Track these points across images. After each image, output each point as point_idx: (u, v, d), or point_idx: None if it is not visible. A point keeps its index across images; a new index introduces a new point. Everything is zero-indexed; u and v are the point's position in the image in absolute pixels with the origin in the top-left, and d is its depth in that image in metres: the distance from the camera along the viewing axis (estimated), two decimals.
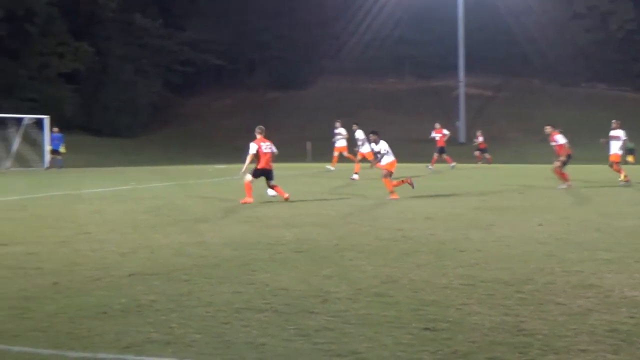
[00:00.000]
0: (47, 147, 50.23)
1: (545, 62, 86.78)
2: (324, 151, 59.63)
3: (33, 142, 53.26)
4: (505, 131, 74.54)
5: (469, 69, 78.60)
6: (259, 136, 22.62)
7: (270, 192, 22.59)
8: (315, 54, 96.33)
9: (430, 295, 9.18)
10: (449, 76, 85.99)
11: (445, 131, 43.34)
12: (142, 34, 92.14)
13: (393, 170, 23.36)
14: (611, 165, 28.74)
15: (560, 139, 27.22)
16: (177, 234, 14.97)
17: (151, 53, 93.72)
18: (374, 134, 24.00)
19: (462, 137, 74.72)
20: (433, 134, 43.58)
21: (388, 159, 23.32)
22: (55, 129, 50.17)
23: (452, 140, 69.82)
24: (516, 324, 7.88)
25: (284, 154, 38.15)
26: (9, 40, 79.44)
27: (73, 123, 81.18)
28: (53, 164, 49.90)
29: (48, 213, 19.54)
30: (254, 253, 12.46)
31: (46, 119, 54.34)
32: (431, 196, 23.74)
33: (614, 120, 28.97)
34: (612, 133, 28.69)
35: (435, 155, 42.98)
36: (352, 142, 37.33)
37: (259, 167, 22.26)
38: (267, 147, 22.42)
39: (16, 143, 53.46)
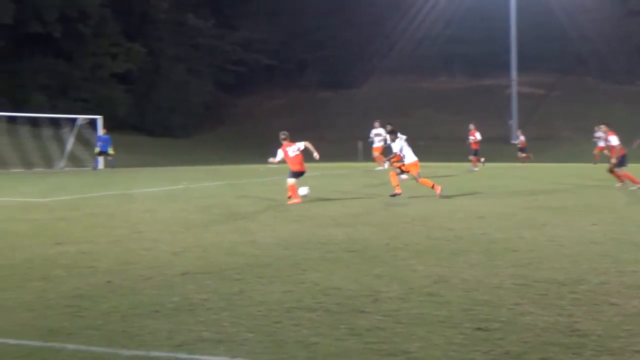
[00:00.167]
0: (95, 149, 50.56)
1: (599, 59, 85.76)
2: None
3: (86, 142, 53.80)
4: (558, 130, 73.98)
5: (521, 68, 77.93)
6: (284, 142, 22.87)
7: (303, 190, 22.61)
8: (367, 53, 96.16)
9: (482, 295, 9.12)
10: (501, 75, 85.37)
11: (478, 135, 42.56)
12: (195, 34, 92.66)
13: (415, 171, 23.31)
14: None
15: (614, 139, 26.79)
16: (229, 233, 15.02)
17: (203, 53, 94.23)
18: (392, 134, 24.17)
19: (514, 137, 74.14)
20: (469, 137, 42.97)
21: (410, 159, 23.32)
22: (103, 130, 50.56)
23: (504, 139, 69.49)
24: (570, 324, 7.80)
25: (335, 154, 38.23)
26: (63, 42, 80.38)
27: (126, 123, 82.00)
28: (106, 165, 50.28)
29: (101, 212, 19.72)
30: (305, 252, 12.46)
31: (99, 119, 54.85)
32: (483, 196, 23.59)
33: None
34: None
35: (473, 157, 42.44)
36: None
37: (293, 170, 22.46)
38: (294, 150, 22.57)
39: (70, 143, 54.01)
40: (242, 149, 70.69)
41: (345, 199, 22.57)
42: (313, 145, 22.90)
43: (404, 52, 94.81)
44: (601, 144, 46.94)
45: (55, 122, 57.17)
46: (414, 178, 23.44)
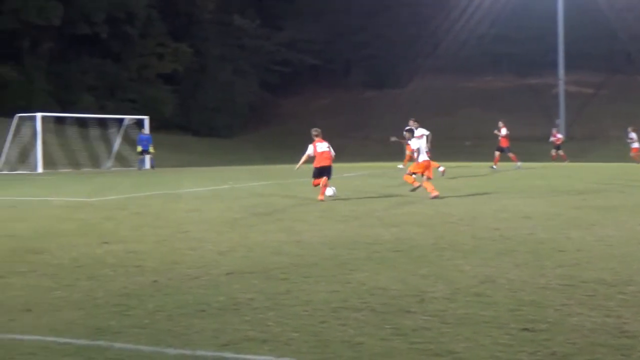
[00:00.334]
0: (138, 149, 50.84)
1: None
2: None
3: (133, 142, 54.21)
4: (606, 129, 73.32)
5: (568, 66, 77.30)
6: (315, 138, 23.34)
7: (329, 191, 22.89)
8: (412, 53, 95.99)
9: (529, 295, 9.06)
10: (548, 74, 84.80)
11: (504, 131, 41.82)
12: (240, 34, 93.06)
13: (420, 171, 23.37)
14: None
15: None
16: (275, 233, 15.05)
17: (249, 53, 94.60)
18: (408, 132, 24.54)
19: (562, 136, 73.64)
20: (496, 132, 42.30)
21: (421, 158, 23.42)
22: (143, 130, 50.85)
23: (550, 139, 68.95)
24: (618, 325, 7.71)
25: (381, 153, 38.14)
26: (110, 43, 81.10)
27: (172, 123, 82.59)
28: (147, 164, 50.53)
29: (148, 212, 19.85)
30: (351, 252, 12.45)
31: (146, 119, 55.24)
32: (529, 195, 23.45)
33: None
34: None
35: (512, 155, 41.76)
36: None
37: (315, 165, 23.02)
38: (323, 147, 23.06)
39: (117, 143, 54.45)
40: (287, 149, 70.78)
41: (391, 198, 22.53)
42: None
43: (449, 52, 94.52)
44: (635, 145, 46.49)
45: (102, 123, 57.70)
46: (407, 172, 23.59)
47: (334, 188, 23.24)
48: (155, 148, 51.81)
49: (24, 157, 48.15)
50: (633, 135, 47.80)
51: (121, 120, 56.58)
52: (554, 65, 78.13)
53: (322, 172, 22.90)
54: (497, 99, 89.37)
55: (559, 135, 49.68)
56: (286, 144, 76.80)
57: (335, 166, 24.69)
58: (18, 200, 24.68)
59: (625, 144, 49.62)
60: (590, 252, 12.18)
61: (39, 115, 48.50)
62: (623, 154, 52.81)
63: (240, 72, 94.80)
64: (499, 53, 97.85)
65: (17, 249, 13.47)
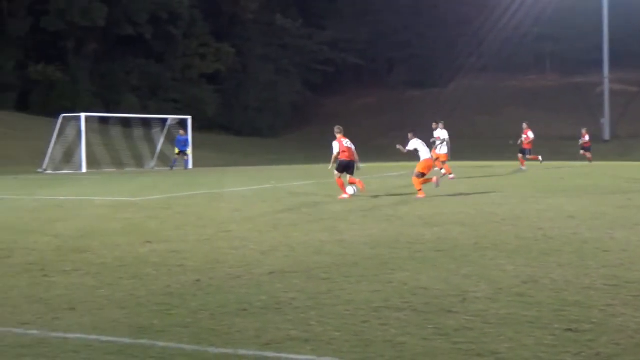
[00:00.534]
0: (175, 150, 50.96)
1: None
2: (463, 149, 59.12)
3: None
4: None
5: (613, 65, 76.59)
6: (338, 135, 23.90)
7: (350, 190, 23.16)
8: (454, 52, 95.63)
9: (572, 295, 8.98)
10: (592, 72, 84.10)
11: (531, 134, 41.09)
12: (283, 34, 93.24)
13: (423, 170, 23.54)
14: None
15: None
16: (317, 232, 15.06)
17: (291, 53, 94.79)
18: (412, 132, 24.70)
19: (606, 135, 73.01)
20: (522, 136, 41.56)
21: (423, 156, 23.72)
22: (182, 132, 50.98)
23: (595, 138, 68.33)
24: None
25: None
26: (154, 43, 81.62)
27: (214, 123, 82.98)
28: (179, 164, 50.65)
29: (191, 212, 19.93)
30: (393, 252, 12.43)
31: (189, 119, 55.46)
32: (573, 195, 23.26)
33: None
34: None
35: (530, 156, 41.08)
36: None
37: (342, 157, 23.41)
38: (347, 142, 23.61)
39: (160, 143, 54.73)
40: (329, 148, 70.88)
41: (434, 198, 22.47)
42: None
43: (491, 50, 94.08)
44: None
45: (145, 123, 58.00)
46: (415, 175, 23.71)
47: (354, 187, 23.41)
48: (192, 149, 51.90)
49: (69, 157, 48.52)
50: None
51: (164, 120, 56.85)
52: (598, 63, 77.47)
53: (347, 166, 23.44)
54: (541, 98, 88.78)
55: (587, 138, 48.69)
56: (328, 144, 76.63)
57: (378, 166, 24.78)
58: (63, 200, 24.89)
59: None
60: (635, 252, 12.06)
61: (83, 115, 48.83)
62: None
63: (283, 71, 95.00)
64: (542, 52, 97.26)
65: (62, 248, 13.58)
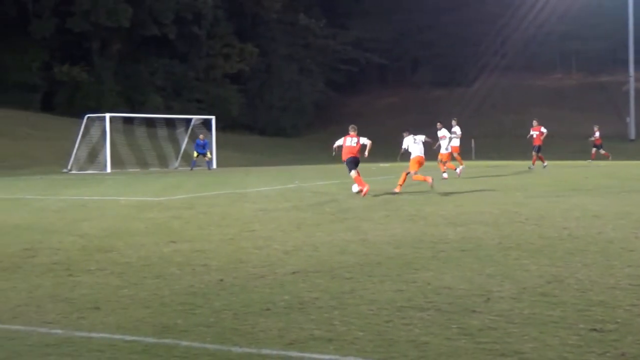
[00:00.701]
0: (194, 154, 50.99)
1: None
2: (488, 149, 59.02)
3: None
4: None
5: (639, 63, 76.07)
6: (351, 132, 24.50)
7: (355, 188, 23.88)
8: (478, 51, 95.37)
9: (597, 295, 8.94)
10: (618, 71, 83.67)
11: (544, 129, 40.68)
12: (306, 34, 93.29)
13: (414, 167, 24.53)
14: None
15: None
16: (341, 232, 15.05)
17: (315, 53, 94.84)
18: (407, 132, 25.48)
19: (632, 134, 72.56)
20: (531, 132, 41.17)
21: (413, 154, 24.76)
22: (201, 136, 50.99)
23: (621, 137, 68.01)
24: None
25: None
26: (178, 43, 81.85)
27: (238, 123, 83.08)
28: (200, 164, 50.72)
29: (214, 211, 19.97)
30: (416, 251, 12.41)
31: (213, 119, 55.58)
32: (598, 194, 23.14)
33: None
34: None
35: (534, 155, 40.60)
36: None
37: (343, 159, 24.22)
38: (352, 141, 24.07)
39: (184, 143, 54.88)
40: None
41: (457, 197, 22.43)
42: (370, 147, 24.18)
43: (516, 49, 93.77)
44: None
45: (170, 123, 58.20)
46: (409, 173, 24.63)
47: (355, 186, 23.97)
48: (210, 152, 51.89)
49: (93, 157, 48.76)
50: None
51: (188, 120, 56.99)
52: (624, 62, 77.07)
53: (352, 162, 24.02)
54: (566, 97, 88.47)
55: (597, 135, 48.15)
56: None
57: (402, 165, 24.80)
58: (88, 199, 25.01)
59: None
60: None
61: (107, 115, 49.06)
62: None
63: (307, 71, 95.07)
64: (567, 50, 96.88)
65: (87, 247, 13.65)
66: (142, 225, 17.12)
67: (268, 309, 8.59)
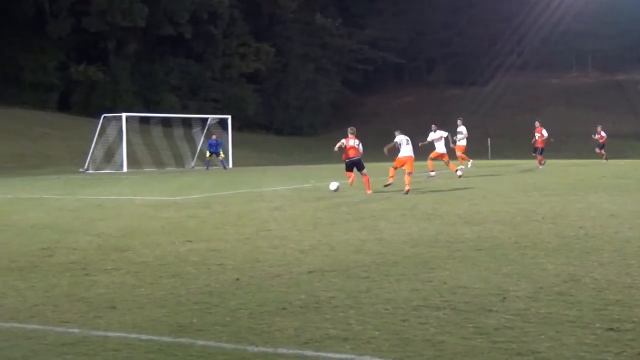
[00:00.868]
0: (207, 154, 50.94)
1: None
2: (504, 147, 58.89)
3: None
4: None
5: None
6: (350, 135, 25.43)
7: (333, 185, 24.93)
8: (494, 50, 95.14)
9: (614, 294, 8.91)
10: (634, 69, 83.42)
11: (545, 132, 40.26)
12: (322, 33, 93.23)
13: (400, 165, 25.17)
14: None
15: None
16: (357, 231, 15.04)
17: (331, 52, 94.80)
18: (396, 131, 26.19)
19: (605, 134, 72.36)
20: (536, 133, 40.77)
21: (402, 154, 25.36)
22: (214, 136, 50.94)
23: (637, 136, 67.73)
24: None
25: (464, 151, 37.81)
26: (194, 43, 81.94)
27: (254, 122, 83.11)
28: (212, 164, 50.70)
29: (230, 211, 19.99)
30: (432, 251, 12.39)
31: (229, 118, 55.63)
32: (615, 193, 23.05)
33: None
34: None
35: (539, 156, 40.17)
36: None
37: (346, 157, 25.34)
38: (354, 142, 25.22)
39: (200, 143, 54.93)
40: (370, 147, 70.73)
41: (473, 196, 22.39)
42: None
43: (532, 48, 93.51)
44: None
45: (186, 122, 58.28)
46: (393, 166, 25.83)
47: (338, 183, 25.01)
48: (224, 152, 51.85)
49: (110, 156, 48.86)
50: None
51: (204, 119, 57.04)
52: None
53: (354, 163, 25.24)
54: (582, 96, 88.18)
55: (603, 134, 47.68)
56: (369, 142, 76.56)
57: (417, 164, 24.84)
58: (104, 199, 25.07)
59: None
60: None
61: (124, 115, 49.14)
62: None
63: (323, 70, 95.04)
64: (583, 49, 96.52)
65: (103, 247, 13.70)
66: (158, 224, 17.16)
67: (284, 308, 8.60)
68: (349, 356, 6.85)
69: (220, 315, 8.40)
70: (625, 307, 8.31)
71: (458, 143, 38.72)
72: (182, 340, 7.47)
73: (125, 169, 47.25)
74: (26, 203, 24.03)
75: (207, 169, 49.68)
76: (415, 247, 12.84)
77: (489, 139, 63.46)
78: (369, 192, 24.36)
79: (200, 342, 7.37)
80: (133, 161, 49.17)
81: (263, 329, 7.79)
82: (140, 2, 75.43)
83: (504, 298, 8.81)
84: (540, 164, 39.74)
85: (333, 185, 24.91)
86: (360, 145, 25.51)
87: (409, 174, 24.50)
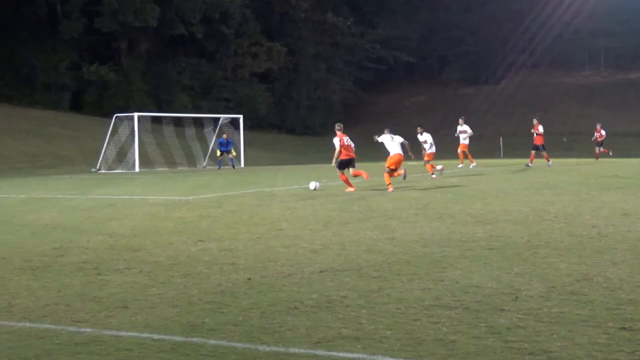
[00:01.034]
0: (217, 152, 50.94)
1: None
2: (516, 147, 58.76)
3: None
4: None
5: None
6: (338, 132, 25.66)
7: (312, 185, 25.77)
8: (507, 48, 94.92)
9: (627, 294, 8.89)
10: None
11: (541, 129, 40.01)
12: (334, 32, 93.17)
13: (391, 165, 25.34)
14: None
15: None
16: (368, 231, 15.04)
17: (343, 51, 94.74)
18: (386, 129, 26.68)
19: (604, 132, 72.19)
20: (532, 131, 40.52)
21: (391, 152, 25.70)
22: (224, 135, 50.93)
23: None
24: None
25: (477, 150, 37.82)
26: (206, 42, 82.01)
27: (266, 121, 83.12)
28: (224, 163, 50.73)
29: (242, 210, 20.00)
30: (444, 250, 12.38)
31: (241, 118, 55.68)
32: (628, 192, 22.97)
33: None
34: None
35: (544, 153, 39.78)
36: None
37: (343, 157, 25.35)
38: (348, 140, 25.52)
39: (212, 142, 54.98)
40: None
41: (486, 195, 22.35)
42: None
43: (544, 46, 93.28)
44: None
45: (198, 122, 58.39)
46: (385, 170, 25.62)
47: (317, 183, 25.95)
48: (236, 150, 51.85)
49: (122, 156, 48.99)
50: None
51: (216, 119, 57.10)
52: None
53: (348, 163, 25.48)
54: (595, 95, 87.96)
55: (603, 132, 47.41)
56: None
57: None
58: (116, 199, 25.12)
59: None
60: None
61: (136, 115, 49.24)
62: None
63: (335, 70, 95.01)
64: (596, 47, 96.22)
65: (115, 246, 13.73)
66: (171, 224, 17.20)
67: (296, 308, 8.60)
68: (360, 356, 6.85)
69: (232, 314, 8.42)
70: (638, 306, 8.29)
71: (462, 141, 38.78)
72: (194, 339, 7.48)
73: (137, 169, 47.36)
74: (39, 203, 24.10)
75: (219, 168, 49.72)
76: (427, 246, 12.83)
77: (501, 138, 63.34)
78: (351, 189, 24.97)
79: (212, 342, 7.38)
80: (145, 161, 49.28)
81: (275, 328, 7.80)
82: (152, 2, 75.51)
83: (516, 297, 8.80)
84: (547, 160, 39.44)
85: (312, 185, 25.60)
86: (351, 141, 25.96)
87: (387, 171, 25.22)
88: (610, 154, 46.23)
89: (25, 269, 11.72)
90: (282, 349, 7.07)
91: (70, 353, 7.18)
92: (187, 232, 15.64)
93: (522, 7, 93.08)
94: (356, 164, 26.03)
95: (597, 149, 46.67)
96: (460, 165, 38.51)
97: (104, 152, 48.62)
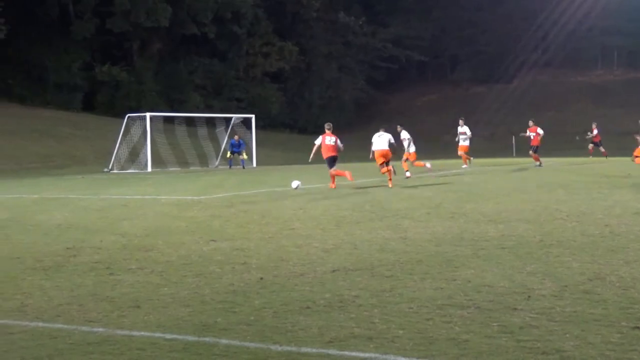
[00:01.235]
0: (227, 154, 50.96)
1: None
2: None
3: None
4: None
5: None
6: (327, 131, 27.44)
7: (294, 184, 26.59)
8: (519, 47, 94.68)
9: (639, 293, 8.87)
10: None
11: (540, 130, 39.73)
12: (346, 32, 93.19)
13: (383, 160, 26.56)
14: None
15: None
16: (381, 230, 15.03)
17: (355, 51, 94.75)
18: (382, 128, 27.87)
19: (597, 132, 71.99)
20: (528, 133, 40.28)
21: (374, 147, 27.16)
22: (236, 137, 50.94)
23: None
24: None
25: (489, 149, 37.71)
26: (218, 42, 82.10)
27: (278, 121, 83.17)
28: (235, 163, 50.75)
29: (254, 209, 20.01)
30: (457, 249, 12.36)
31: (253, 117, 55.70)
32: None
33: None
34: None
35: (535, 154, 39.53)
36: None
37: (326, 156, 26.78)
38: (330, 140, 26.91)
39: (224, 142, 55.02)
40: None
41: (498, 194, 22.32)
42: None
43: (557, 45, 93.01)
44: None
45: (210, 121, 58.46)
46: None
47: (299, 182, 26.88)
48: (248, 150, 51.87)
49: (134, 156, 49.06)
50: None
51: (228, 119, 57.13)
52: None
53: (330, 160, 26.65)
54: (608, 93, 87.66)
55: (596, 132, 47.20)
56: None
57: (442, 162, 24.80)
58: (129, 199, 25.16)
59: None
60: None
61: (148, 115, 49.33)
62: None
63: (346, 69, 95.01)
64: (609, 45, 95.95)
65: (128, 246, 13.76)
66: (183, 224, 17.22)
67: (308, 307, 8.60)
68: (373, 355, 6.85)
69: (244, 314, 8.42)
70: None
71: (462, 143, 38.72)
72: (207, 339, 7.49)
73: (149, 169, 47.43)
74: (51, 203, 24.16)
75: (230, 167, 49.77)
76: (440, 245, 12.82)
77: (513, 137, 63.12)
78: (332, 186, 26.51)
79: (224, 341, 7.39)
80: (157, 161, 49.36)
81: (287, 328, 7.80)
82: (164, 2, 75.63)
83: (529, 297, 8.78)
84: (537, 161, 39.13)
85: (294, 184, 26.39)
86: (338, 140, 27.10)
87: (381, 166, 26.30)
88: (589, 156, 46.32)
89: (37, 269, 11.75)
90: (294, 349, 7.08)
91: (83, 353, 7.20)
92: (199, 231, 15.66)
93: (534, 5, 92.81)
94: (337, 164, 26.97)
95: (591, 146, 46.72)
96: (464, 166, 38.42)
97: (116, 152, 48.71)
